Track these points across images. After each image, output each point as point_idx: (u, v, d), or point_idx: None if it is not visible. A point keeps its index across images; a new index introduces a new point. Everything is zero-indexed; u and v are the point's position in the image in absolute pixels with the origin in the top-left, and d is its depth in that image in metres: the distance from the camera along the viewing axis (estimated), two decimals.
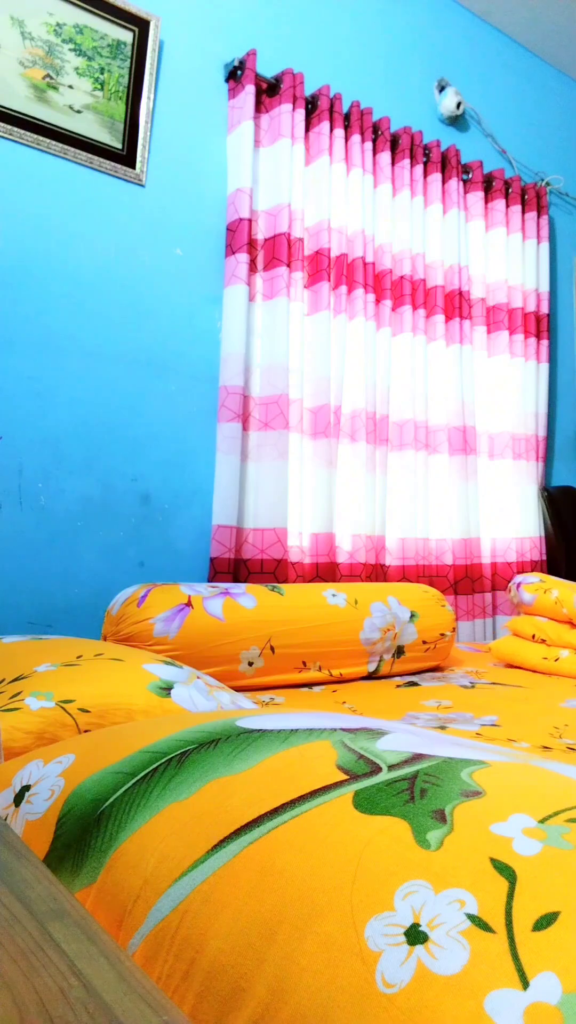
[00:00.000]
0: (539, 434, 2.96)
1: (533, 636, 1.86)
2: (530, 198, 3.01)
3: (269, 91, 2.32)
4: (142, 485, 2.04)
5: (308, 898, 0.47)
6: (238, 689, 1.49)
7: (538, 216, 3.03)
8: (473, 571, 2.70)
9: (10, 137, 1.85)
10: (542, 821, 0.50)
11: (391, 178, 2.57)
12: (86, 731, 0.91)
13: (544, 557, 2.95)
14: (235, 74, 2.27)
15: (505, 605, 2.80)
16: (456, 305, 2.71)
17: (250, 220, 2.22)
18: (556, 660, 1.77)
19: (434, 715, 1.31)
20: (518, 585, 1.93)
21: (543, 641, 1.84)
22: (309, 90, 2.46)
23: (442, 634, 1.74)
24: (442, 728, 1.20)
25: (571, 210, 3.39)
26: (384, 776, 0.58)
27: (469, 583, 2.67)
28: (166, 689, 1.02)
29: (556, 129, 3.35)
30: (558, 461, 3.21)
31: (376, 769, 0.59)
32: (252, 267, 2.26)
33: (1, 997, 0.40)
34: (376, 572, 2.45)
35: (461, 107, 2.83)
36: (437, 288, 2.68)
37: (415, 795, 0.54)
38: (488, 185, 2.90)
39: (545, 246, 3.04)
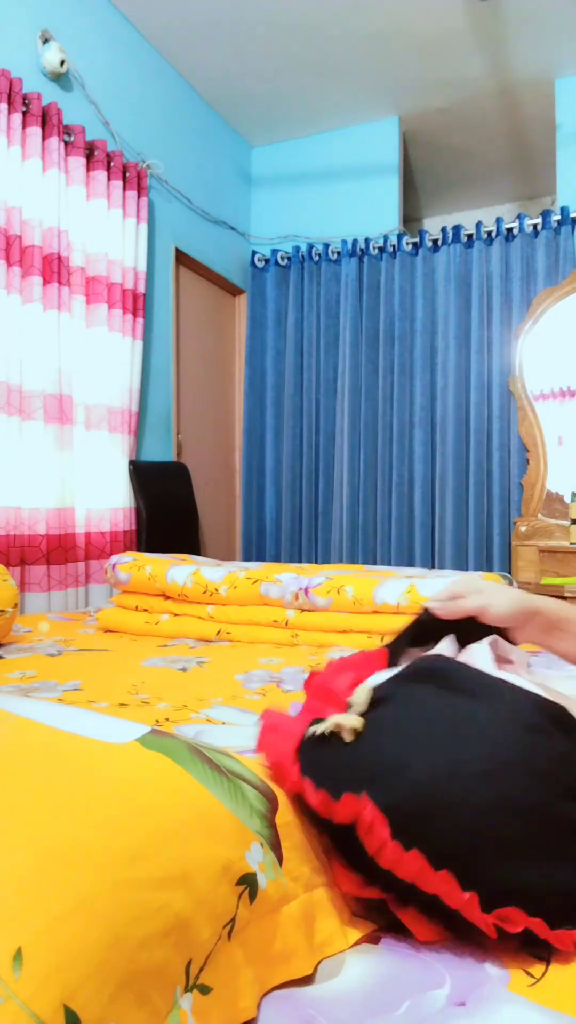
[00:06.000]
0: (132, 408, 3.08)
1: (136, 607, 1.95)
2: (131, 176, 3.08)
3: None
4: None
5: None
6: None
7: (138, 196, 3.12)
8: (67, 541, 2.71)
9: None
10: None
11: None
12: None
13: (135, 527, 3.09)
14: None
15: (99, 574, 2.87)
16: (55, 270, 2.65)
17: None
18: (157, 624, 1.90)
19: (16, 686, 1.30)
20: (113, 566, 1.98)
21: (145, 610, 1.95)
22: None
23: (2, 611, 1.66)
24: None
25: (170, 198, 3.56)
26: None
27: (63, 553, 2.67)
28: None
29: (157, 114, 3.47)
30: (149, 436, 3.39)
31: None
32: None
33: None
34: None
35: (65, 65, 2.75)
36: (35, 248, 2.58)
37: None
38: (90, 153, 2.89)
39: (144, 227, 3.15)
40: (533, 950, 0.62)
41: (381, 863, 0.62)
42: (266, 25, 3.28)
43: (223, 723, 1.07)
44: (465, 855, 0.62)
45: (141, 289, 3.12)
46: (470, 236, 3.76)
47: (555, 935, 0.61)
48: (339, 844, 0.68)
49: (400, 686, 0.77)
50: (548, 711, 0.72)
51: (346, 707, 0.79)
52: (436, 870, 0.60)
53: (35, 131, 2.58)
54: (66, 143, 2.77)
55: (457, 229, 3.77)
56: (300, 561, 4.06)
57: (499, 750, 0.66)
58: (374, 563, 3.88)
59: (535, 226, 3.65)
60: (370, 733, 0.69)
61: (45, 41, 2.74)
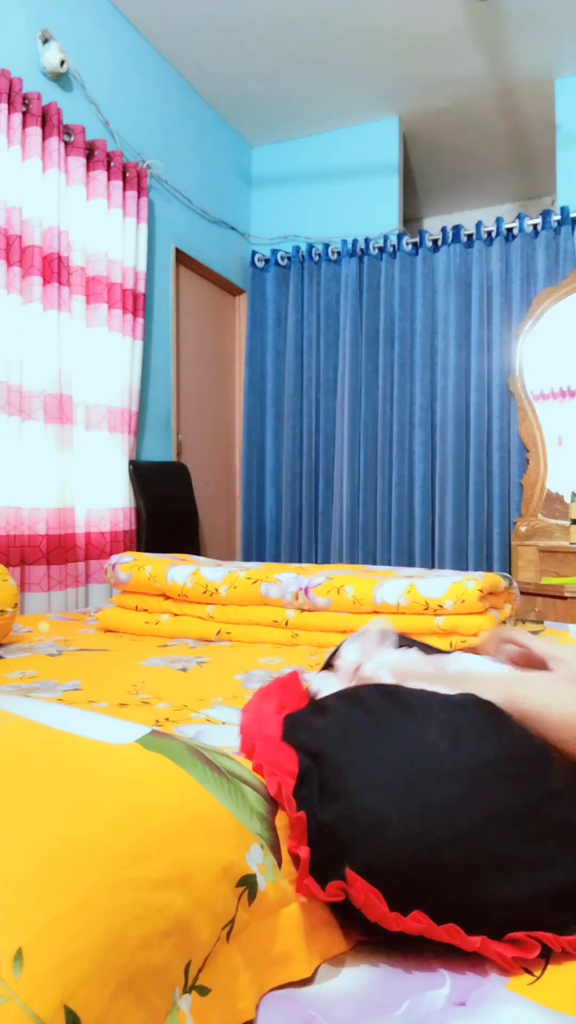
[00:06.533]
0: (132, 408, 3.08)
1: (136, 607, 1.95)
2: (131, 176, 3.08)
3: None
4: None
5: None
6: None
7: (138, 196, 3.12)
8: (67, 541, 2.71)
9: None
10: None
11: None
12: None
13: (135, 527, 3.09)
14: None
15: (99, 574, 2.87)
16: (55, 270, 2.65)
17: None
18: (157, 624, 1.90)
19: (16, 686, 1.30)
20: (113, 566, 1.98)
21: (145, 610, 1.94)
22: None
23: (2, 611, 1.65)
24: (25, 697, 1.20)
25: (170, 198, 3.56)
26: None
27: (63, 553, 2.67)
28: None
29: (157, 114, 3.47)
30: (149, 436, 3.39)
31: None
32: None
33: None
34: None
35: (65, 65, 2.75)
36: (35, 248, 2.58)
37: None
38: (90, 153, 2.89)
39: (144, 227, 3.14)
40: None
41: (387, 927, 0.61)
42: (266, 25, 3.28)
43: (223, 723, 1.07)
44: (464, 898, 0.61)
45: (141, 289, 3.12)
46: (470, 236, 3.76)
47: (567, 940, 0.61)
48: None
49: (353, 726, 0.76)
50: (485, 710, 0.72)
51: (281, 734, 0.80)
52: (439, 924, 0.60)
53: (35, 131, 2.58)
54: (66, 143, 2.77)
55: (457, 229, 3.76)
56: (300, 561, 4.06)
57: (464, 772, 0.65)
58: (374, 563, 3.88)
59: (535, 226, 3.65)
60: (338, 785, 0.68)
61: (45, 41, 2.74)
